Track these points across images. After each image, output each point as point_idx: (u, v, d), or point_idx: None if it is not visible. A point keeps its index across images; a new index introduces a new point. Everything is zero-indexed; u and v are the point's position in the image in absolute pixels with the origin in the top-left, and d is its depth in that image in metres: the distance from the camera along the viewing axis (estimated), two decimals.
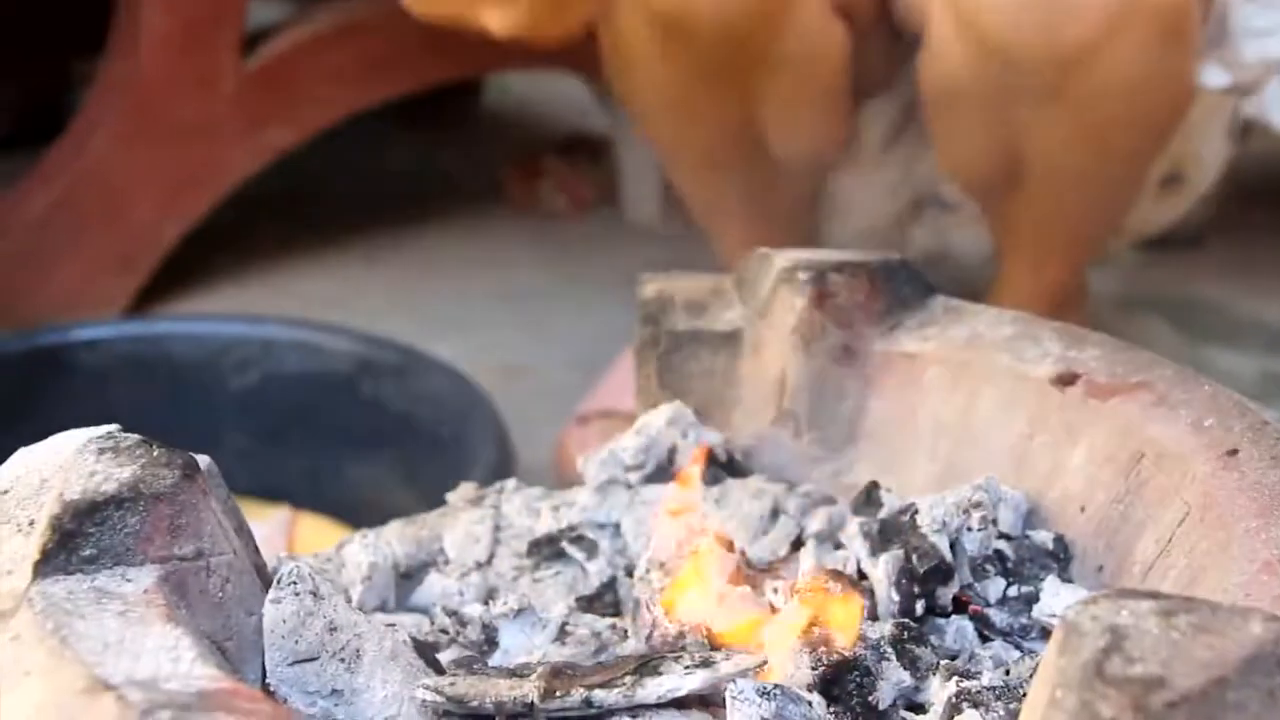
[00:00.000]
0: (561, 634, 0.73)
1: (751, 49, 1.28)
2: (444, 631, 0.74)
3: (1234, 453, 0.68)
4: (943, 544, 0.71)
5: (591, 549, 0.79)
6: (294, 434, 1.42)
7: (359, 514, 1.19)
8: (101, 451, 0.65)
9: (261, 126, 2.02)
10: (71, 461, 0.65)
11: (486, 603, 0.76)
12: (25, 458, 0.69)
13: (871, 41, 1.39)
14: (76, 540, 0.60)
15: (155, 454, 0.65)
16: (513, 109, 2.76)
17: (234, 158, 2.01)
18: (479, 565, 0.81)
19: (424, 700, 0.63)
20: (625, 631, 0.72)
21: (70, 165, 1.98)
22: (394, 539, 0.82)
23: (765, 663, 0.63)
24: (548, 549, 0.80)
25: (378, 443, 1.41)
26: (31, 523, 0.63)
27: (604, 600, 0.77)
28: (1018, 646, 0.70)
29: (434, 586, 0.80)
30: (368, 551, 0.80)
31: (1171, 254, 2.09)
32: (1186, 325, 2.02)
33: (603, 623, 0.73)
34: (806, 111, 1.39)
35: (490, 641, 0.73)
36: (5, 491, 0.66)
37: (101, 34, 2.18)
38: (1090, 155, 1.36)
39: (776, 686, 0.59)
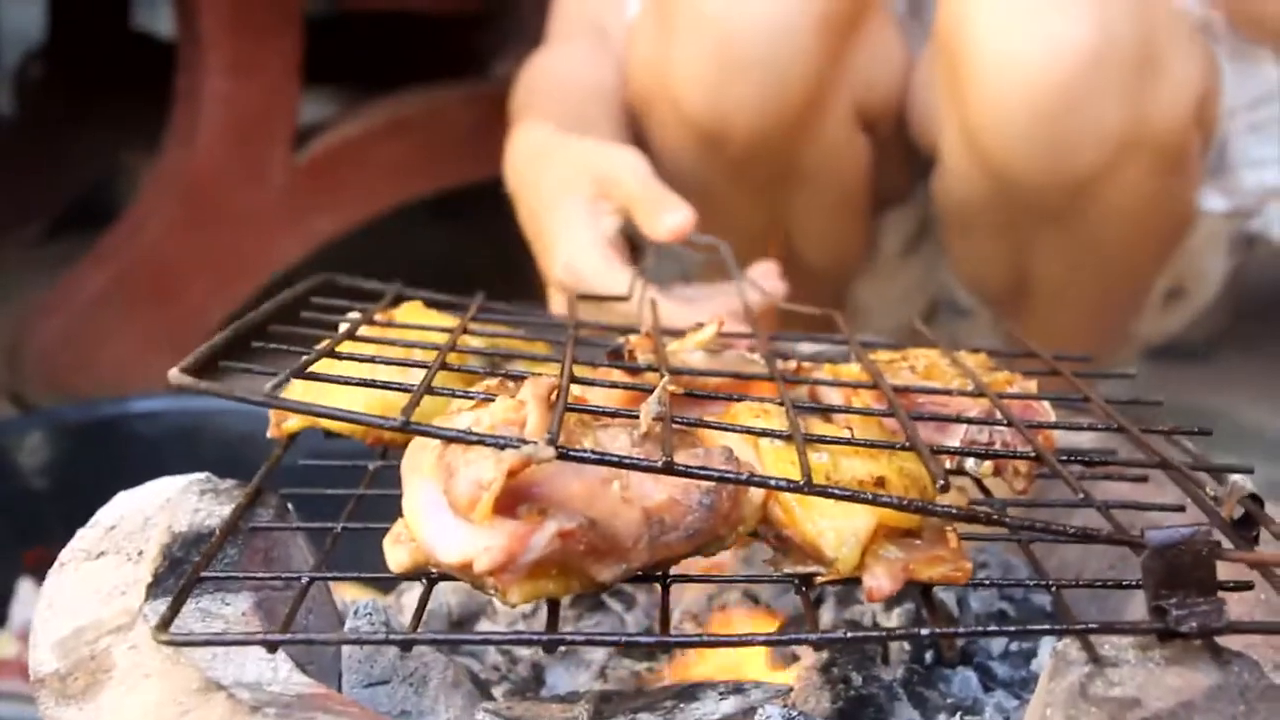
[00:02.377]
0: (602, 674, 0.80)
1: (781, 158, 1.35)
2: (496, 669, 0.81)
3: None
4: (950, 601, 0.78)
5: (629, 601, 0.87)
6: (318, 515, 1.49)
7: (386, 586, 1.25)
8: (203, 492, 0.74)
9: (308, 217, 2.12)
10: (177, 500, 0.73)
11: (531, 647, 0.83)
12: (127, 499, 0.77)
13: (891, 154, 1.47)
14: (184, 566, 0.68)
15: (251, 497, 0.73)
16: None
17: (280, 247, 2.10)
18: (525, 616, 0.88)
19: None
20: (662, 673, 0.80)
21: (124, 250, 2.07)
22: (448, 588, 0.89)
23: (791, 691, 0.70)
24: (590, 601, 0.87)
25: None
26: (140, 553, 0.71)
27: (638, 649, 0.84)
28: (1016, 697, 0.77)
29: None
30: None
31: (1179, 365, 2.17)
32: (1173, 444, 2.07)
33: (640, 665, 0.80)
34: (830, 218, 1.47)
35: (538, 680, 0.80)
36: (113, 526, 0.74)
37: (149, 126, 2.29)
38: (1094, 273, 1.43)
39: (801, 713, 0.66)
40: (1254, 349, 2.30)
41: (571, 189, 1.13)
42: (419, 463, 0.60)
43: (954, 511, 0.59)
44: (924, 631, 0.59)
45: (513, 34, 2.72)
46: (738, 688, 0.68)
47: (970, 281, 1.55)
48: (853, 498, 0.59)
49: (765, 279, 1.07)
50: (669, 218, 1.06)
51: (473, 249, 2.69)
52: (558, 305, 1.13)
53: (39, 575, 1.45)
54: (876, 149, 1.44)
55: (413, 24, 2.60)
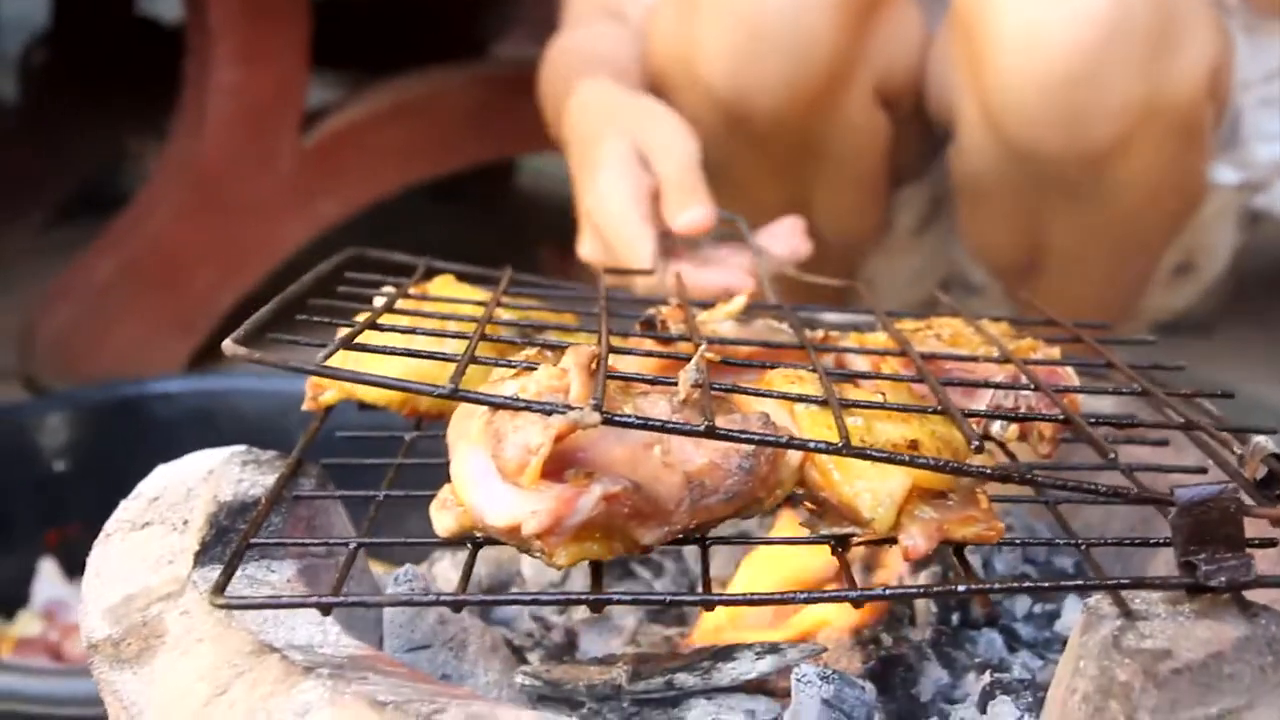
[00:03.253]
0: (634, 639, 0.82)
1: (802, 135, 1.37)
2: (530, 636, 0.83)
3: None
4: (976, 564, 0.79)
5: (658, 569, 0.89)
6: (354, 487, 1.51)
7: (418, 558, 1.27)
8: (245, 463, 0.75)
9: (314, 201, 2.13)
10: (220, 470, 0.74)
11: (563, 613, 0.85)
12: (168, 471, 0.79)
13: (908, 131, 1.49)
14: (230, 535, 0.69)
15: (294, 466, 0.74)
16: (546, 189, 2.87)
17: (288, 230, 2.11)
18: (554, 584, 0.90)
19: (523, 685, 0.72)
20: (692, 639, 0.81)
21: (134, 235, 2.08)
22: (478, 558, 0.91)
23: (825, 651, 0.72)
24: (619, 570, 0.89)
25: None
26: (185, 522, 0.72)
27: (669, 614, 0.85)
28: (1041, 657, 0.78)
29: None
30: (454, 567, 0.89)
31: (1182, 340, 2.19)
32: (1194, 407, 2.10)
33: (671, 630, 0.82)
34: (849, 195, 1.49)
35: (571, 646, 0.82)
36: (156, 498, 0.76)
37: (154, 112, 2.29)
38: (1107, 245, 1.45)
39: (835, 671, 0.68)
40: (1254, 323, 2.33)
41: (623, 138, 1.14)
42: (466, 429, 0.62)
43: (988, 471, 0.61)
44: (960, 588, 0.61)
45: (513, 17, 2.73)
46: (774, 648, 0.70)
47: (982, 255, 1.56)
48: (890, 459, 0.60)
49: (790, 236, 1.08)
50: (688, 213, 1.06)
51: (476, 231, 2.71)
52: (588, 247, 1.14)
53: (60, 555, 1.47)
54: (895, 127, 1.45)
55: (414, 7, 2.61)
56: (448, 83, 2.28)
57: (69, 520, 1.46)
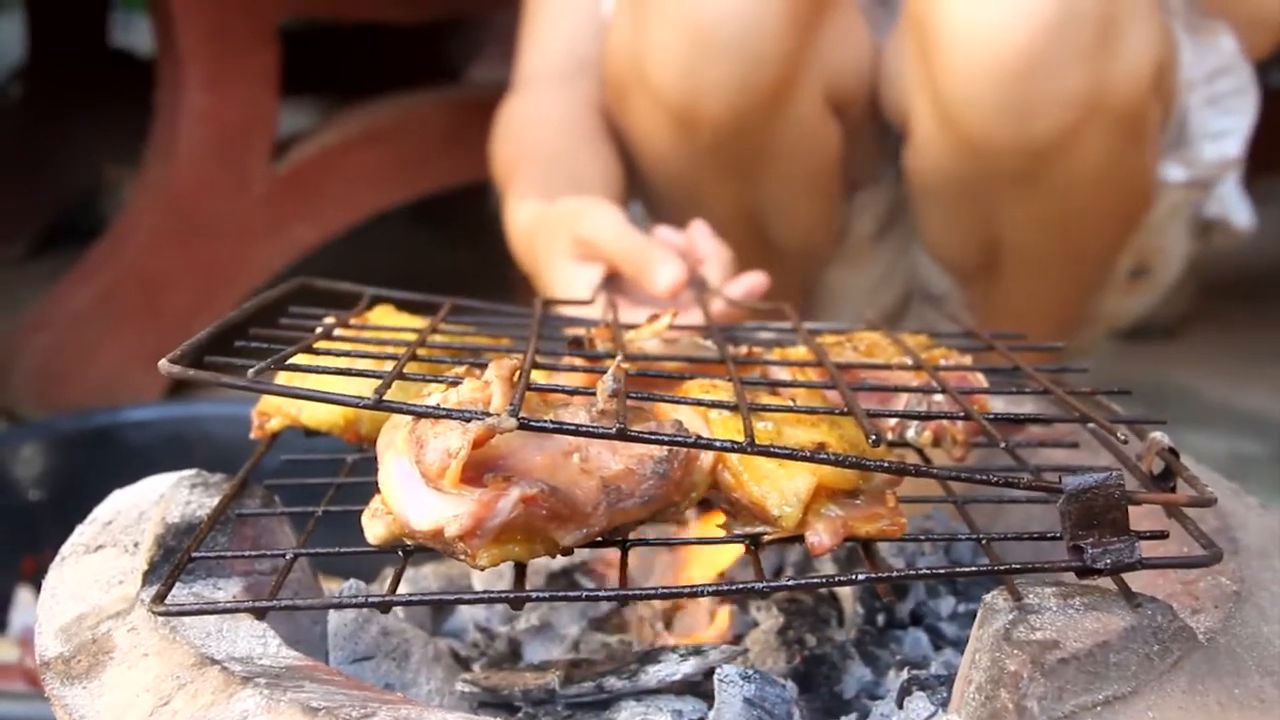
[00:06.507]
0: (575, 648, 0.85)
1: (752, 141, 1.41)
2: (475, 646, 0.86)
3: None
4: (901, 566, 0.83)
5: (601, 582, 0.92)
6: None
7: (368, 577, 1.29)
8: (194, 486, 0.79)
9: (289, 227, 2.16)
10: (170, 493, 0.78)
11: (508, 623, 0.88)
12: (121, 496, 0.82)
13: (861, 138, 1.52)
14: (177, 555, 0.72)
15: (238, 487, 0.78)
16: None
17: (262, 256, 2.15)
18: None
19: (463, 692, 0.75)
20: (631, 644, 0.84)
21: (111, 263, 2.11)
22: (429, 574, 0.94)
23: (747, 651, 0.75)
24: (563, 580, 0.92)
25: None
26: (136, 544, 0.75)
27: (611, 623, 0.88)
28: (963, 654, 0.81)
29: (464, 614, 0.92)
30: (407, 583, 0.92)
31: (1147, 344, 2.23)
32: (1159, 410, 2.14)
33: (611, 638, 0.85)
34: (801, 200, 1.52)
35: (515, 654, 0.85)
36: (110, 522, 0.79)
37: (130, 142, 2.33)
38: (1060, 240, 1.48)
39: (757, 671, 0.71)
40: (1218, 328, 2.37)
41: (559, 252, 1.18)
42: (392, 439, 0.65)
43: (886, 464, 0.64)
44: (861, 576, 0.64)
45: (484, 40, 2.77)
46: (697, 650, 0.73)
47: (941, 256, 1.59)
48: (792, 455, 0.64)
49: (744, 287, 1.11)
50: (663, 273, 1.07)
51: (450, 254, 2.75)
52: None
53: (37, 583, 1.50)
54: (846, 133, 1.49)
55: (386, 33, 2.64)
56: (419, 107, 2.32)
57: (45, 548, 1.48)
